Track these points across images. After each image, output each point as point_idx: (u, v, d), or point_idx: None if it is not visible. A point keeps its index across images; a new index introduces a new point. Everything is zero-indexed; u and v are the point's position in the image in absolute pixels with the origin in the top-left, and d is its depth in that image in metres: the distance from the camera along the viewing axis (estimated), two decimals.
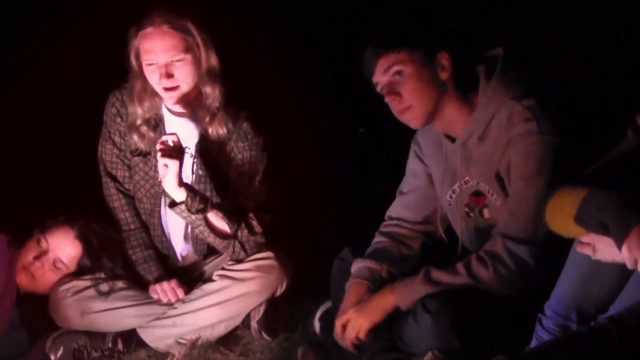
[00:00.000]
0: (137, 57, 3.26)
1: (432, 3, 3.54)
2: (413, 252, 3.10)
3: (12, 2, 3.82)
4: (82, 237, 3.46)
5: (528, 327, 2.64)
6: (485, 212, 2.93)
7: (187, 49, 3.22)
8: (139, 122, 3.34)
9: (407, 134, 3.08)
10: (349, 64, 3.06)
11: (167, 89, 3.24)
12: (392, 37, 2.85)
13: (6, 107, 3.89)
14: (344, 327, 2.92)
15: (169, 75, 3.21)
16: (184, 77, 3.24)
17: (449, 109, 2.85)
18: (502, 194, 2.85)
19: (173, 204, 3.27)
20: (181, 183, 3.24)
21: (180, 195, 3.25)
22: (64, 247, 3.45)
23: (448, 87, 2.84)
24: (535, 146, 2.74)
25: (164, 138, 3.21)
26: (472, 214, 2.96)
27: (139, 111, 3.34)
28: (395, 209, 3.16)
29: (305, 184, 3.85)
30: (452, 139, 2.92)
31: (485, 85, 2.83)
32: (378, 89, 2.87)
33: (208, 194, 3.35)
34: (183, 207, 3.25)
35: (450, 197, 3.00)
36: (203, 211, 3.28)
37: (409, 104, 2.81)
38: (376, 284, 2.97)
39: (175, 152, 3.20)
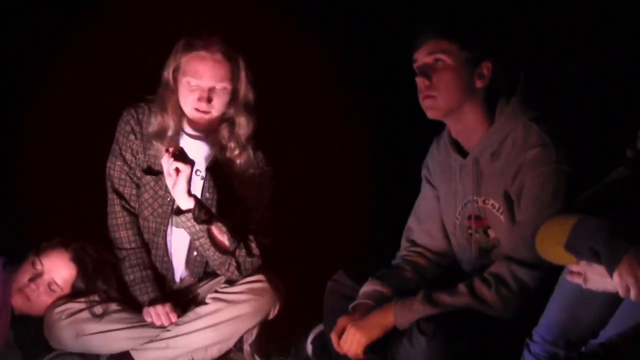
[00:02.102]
0: (176, 72, 3.33)
1: (500, 13, 3.53)
2: (425, 283, 3.05)
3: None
4: (77, 260, 3.48)
5: (516, 351, 2.64)
6: (491, 233, 2.93)
7: (231, 79, 3.30)
8: (170, 133, 3.38)
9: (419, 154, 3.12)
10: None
11: (199, 111, 3.30)
12: (452, 27, 2.84)
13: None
14: (339, 337, 2.90)
15: (209, 100, 3.28)
16: (219, 105, 3.32)
17: (471, 116, 2.85)
18: (508, 214, 2.85)
19: (179, 212, 3.30)
20: (190, 192, 3.28)
21: (188, 203, 3.28)
22: (58, 270, 3.47)
23: (477, 95, 2.84)
24: (552, 174, 2.74)
25: (170, 149, 3.26)
26: (476, 235, 2.96)
27: (170, 123, 3.38)
28: (419, 236, 3.13)
29: (300, 205, 3.89)
30: (463, 155, 2.92)
31: (504, 103, 2.84)
32: (415, 65, 2.87)
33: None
34: (189, 215, 3.28)
35: (457, 218, 2.99)
36: (208, 222, 3.32)
37: (433, 93, 2.82)
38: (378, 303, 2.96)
39: (187, 158, 3.25)
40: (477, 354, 2.72)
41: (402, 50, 2.91)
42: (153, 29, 3.81)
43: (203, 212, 3.31)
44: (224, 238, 3.38)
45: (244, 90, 3.37)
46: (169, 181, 3.27)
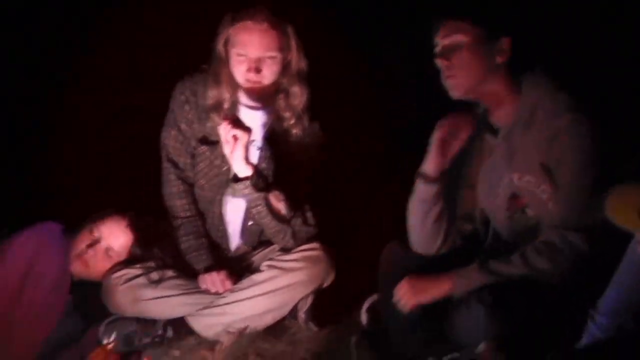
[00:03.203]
0: (226, 44, 3.33)
1: None
2: None
3: None
4: (134, 226, 3.53)
5: (578, 320, 2.65)
6: (529, 211, 2.93)
7: (280, 49, 3.29)
8: (226, 105, 3.39)
9: None
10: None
11: (250, 82, 3.31)
12: (465, 7, 2.88)
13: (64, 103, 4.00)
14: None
15: (258, 70, 3.28)
16: (270, 75, 3.31)
17: (497, 92, 2.88)
18: (549, 185, 2.84)
19: (237, 179, 3.33)
20: (248, 159, 3.31)
21: (246, 170, 3.31)
22: (115, 236, 3.52)
23: (500, 71, 2.86)
24: (588, 137, 2.76)
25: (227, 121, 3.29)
26: (515, 215, 2.96)
27: (225, 95, 3.38)
28: None
29: (354, 175, 3.89)
30: (494, 133, 2.94)
31: (530, 74, 2.87)
32: (436, 49, 2.91)
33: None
34: (247, 183, 3.31)
35: (495, 198, 3.00)
36: (265, 190, 3.35)
37: (454, 73, 2.86)
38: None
39: (244, 126, 3.27)
40: (535, 324, 2.73)
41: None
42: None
43: (261, 180, 3.34)
44: (280, 206, 3.40)
45: (296, 59, 3.36)
46: (226, 149, 3.29)
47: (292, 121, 3.43)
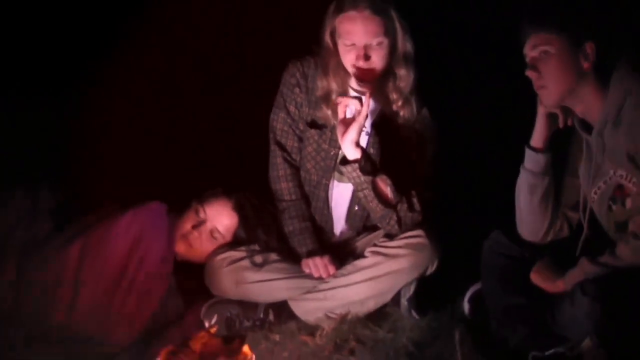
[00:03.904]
0: (333, 35, 3.34)
1: None
2: None
3: None
4: (239, 209, 3.54)
5: None
6: (628, 202, 2.90)
7: (386, 33, 3.28)
8: (334, 96, 3.39)
9: None
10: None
11: (360, 69, 3.30)
12: (546, 18, 2.92)
13: (170, 80, 4.05)
14: None
15: (367, 57, 3.28)
16: (379, 60, 3.31)
17: (588, 94, 2.91)
18: (639, 175, 2.86)
19: (345, 162, 3.32)
20: (358, 143, 3.30)
21: (355, 153, 3.30)
22: (221, 218, 3.54)
23: (588, 75, 2.89)
24: None
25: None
26: (614, 207, 2.93)
27: (333, 85, 3.39)
28: None
29: (459, 165, 3.83)
30: (589, 130, 2.95)
31: (616, 71, 2.88)
32: (526, 60, 2.96)
33: None
34: (356, 165, 3.29)
35: (595, 192, 2.98)
36: (373, 174, 3.32)
37: (544, 84, 2.91)
38: None
39: (362, 110, 3.27)
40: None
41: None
42: None
43: (369, 164, 3.32)
44: (387, 191, 3.36)
45: (401, 41, 3.34)
46: (339, 130, 3.29)
47: (400, 103, 3.41)
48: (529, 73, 2.92)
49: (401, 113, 3.43)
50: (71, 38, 3.89)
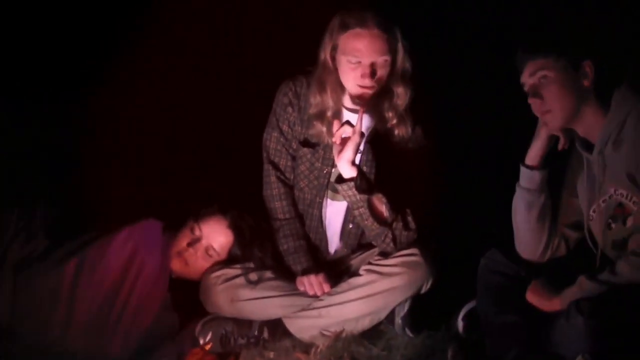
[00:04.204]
0: (334, 52, 3.34)
1: (579, 12, 3.57)
2: None
3: None
4: (235, 227, 3.55)
5: None
6: (629, 220, 2.91)
7: (390, 51, 3.29)
8: (329, 113, 3.40)
9: None
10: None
11: (363, 87, 3.30)
12: (540, 44, 2.93)
13: (164, 98, 4.06)
14: None
15: (373, 75, 3.28)
16: (381, 78, 3.31)
17: (589, 114, 2.92)
18: (638, 194, 2.86)
19: (341, 180, 3.33)
20: (354, 162, 3.31)
21: (351, 172, 3.31)
22: (216, 236, 3.55)
23: (589, 94, 2.90)
24: None
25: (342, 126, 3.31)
26: (613, 225, 2.95)
27: (328, 103, 3.39)
28: None
29: (453, 183, 3.84)
30: (589, 149, 2.96)
31: (617, 90, 2.90)
32: (525, 89, 2.96)
33: None
34: (351, 184, 3.30)
35: (594, 211, 2.99)
36: (369, 192, 3.33)
37: (548, 108, 2.92)
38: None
39: (357, 130, 3.28)
40: (635, 334, 2.68)
41: None
42: None
43: (365, 182, 3.33)
44: (383, 209, 3.38)
45: (402, 59, 3.35)
46: (335, 149, 3.30)
47: (395, 121, 3.41)
48: (532, 100, 2.92)
49: (396, 131, 3.43)
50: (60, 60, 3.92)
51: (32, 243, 3.40)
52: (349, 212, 3.50)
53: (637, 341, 2.66)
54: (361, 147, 3.42)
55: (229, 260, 3.56)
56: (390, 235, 3.41)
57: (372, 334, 3.41)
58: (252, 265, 3.53)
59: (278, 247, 3.56)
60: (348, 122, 3.30)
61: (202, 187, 3.93)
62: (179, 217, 3.62)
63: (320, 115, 3.42)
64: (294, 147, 3.53)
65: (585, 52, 2.90)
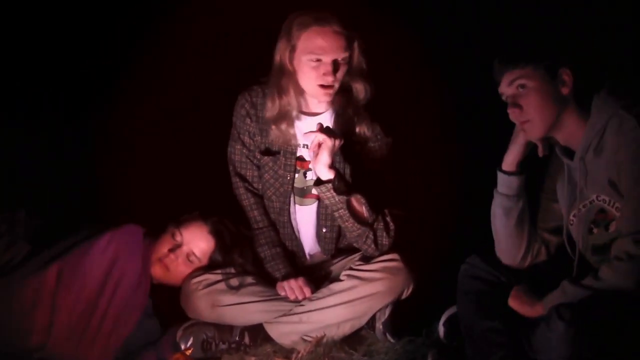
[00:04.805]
0: (292, 53, 3.35)
1: (555, 20, 3.62)
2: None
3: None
4: (215, 233, 3.55)
5: None
6: (612, 226, 2.91)
7: (348, 48, 3.32)
8: (287, 118, 3.42)
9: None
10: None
11: (324, 87, 3.32)
12: (517, 54, 2.93)
13: (142, 107, 4.07)
14: None
15: (335, 72, 3.30)
16: (340, 76, 3.34)
17: (569, 121, 2.91)
18: (620, 200, 2.86)
19: (319, 182, 3.35)
20: (332, 165, 3.33)
21: (328, 174, 3.33)
22: (197, 241, 3.54)
23: (568, 101, 2.90)
24: None
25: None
26: (595, 230, 2.95)
27: (288, 106, 3.42)
28: None
29: (432, 189, 3.87)
30: (570, 155, 2.96)
31: (596, 96, 2.89)
32: (503, 98, 2.96)
33: None
34: (330, 185, 3.33)
35: (575, 215, 3.00)
36: (347, 193, 3.35)
37: (528, 118, 2.91)
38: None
39: (333, 133, 3.31)
40: (615, 340, 2.68)
41: None
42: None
43: (342, 184, 3.35)
44: (362, 209, 3.40)
45: (357, 56, 3.37)
46: (312, 154, 3.33)
47: (355, 119, 3.44)
48: (511, 110, 2.91)
49: (356, 129, 3.45)
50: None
51: (13, 248, 3.40)
52: (320, 216, 3.53)
53: (617, 347, 2.67)
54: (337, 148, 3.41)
55: (210, 265, 3.56)
56: (371, 235, 3.43)
57: (353, 339, 3.42)
58: (233, 270, 3.53)
59: (257, 253, 3.57)
60: (320, 125, 3.32)
61: (183, 193, 3.92)
62: (160, 222, 3.62)
63: (280, 119, 3.44)
64: (258, 157, 3.55)
65: (562, 60, 2.90)
